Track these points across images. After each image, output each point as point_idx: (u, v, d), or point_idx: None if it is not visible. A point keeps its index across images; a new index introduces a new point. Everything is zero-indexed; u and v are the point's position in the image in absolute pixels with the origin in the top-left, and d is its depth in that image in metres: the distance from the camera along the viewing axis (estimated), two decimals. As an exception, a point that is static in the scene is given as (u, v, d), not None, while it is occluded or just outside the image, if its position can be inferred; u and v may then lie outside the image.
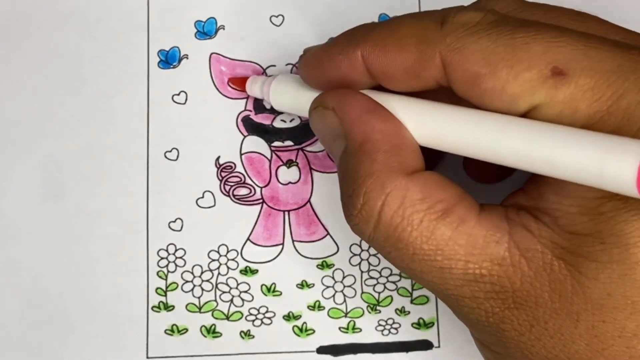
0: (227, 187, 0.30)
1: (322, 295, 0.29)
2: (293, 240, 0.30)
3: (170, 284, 0.29)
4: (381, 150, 0.21)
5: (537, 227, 0.20)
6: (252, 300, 0.29)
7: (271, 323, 0.29)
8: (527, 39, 0.20)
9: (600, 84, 0.19)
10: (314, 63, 0.25)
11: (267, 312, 0.29)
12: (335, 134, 0.23)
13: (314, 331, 0.29)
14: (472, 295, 0.20)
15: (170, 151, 0.30)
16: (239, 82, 0.30)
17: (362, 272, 0.29)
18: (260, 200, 0.30)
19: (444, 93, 0.23)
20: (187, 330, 0.29)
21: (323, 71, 0.24)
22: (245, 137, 0.30)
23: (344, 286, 0.29)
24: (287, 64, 0.30)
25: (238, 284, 0.29)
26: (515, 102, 0.20)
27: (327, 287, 0.29)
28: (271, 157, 0.30)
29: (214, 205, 0.30)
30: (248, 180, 0.30)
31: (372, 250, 0.29)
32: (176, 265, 0.30)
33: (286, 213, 0.30)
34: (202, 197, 0.30)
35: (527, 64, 0.19)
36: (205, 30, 0.31)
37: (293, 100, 0.26)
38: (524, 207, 0.21)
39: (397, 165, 0.21)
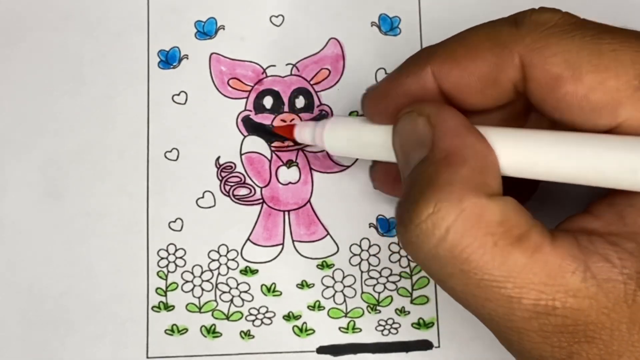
0: (227, 187, 0.30)
1: (322, 295, 0.29)
2: (293, 240, 0.30)
3: (170, 284, 0.29)
4: (468, 165, 0.19)
5: (617, 256, 0.19)
6: (252, 300, 0.29)
7: (271, 323, 0.29)
8: (614, 45, 0.18)
9: None
10: (380, 94, 0.23)
11: (267, 312, 0.29)
12: (420, 142, 0.21)
13: (314, 331, 0.29)
14: (540, 329, 0.19)
15: (170, 151, 0.30)
16: (285, 130, 0.28)
17: (362, 272, 0.29)
18: (260, 201, 0.30)
19: (516, 116, 0.22)
20: (187, 330, 0.29)
21: (392, 100, 0.23)
22: (245, 137, 0.30)
23: (344, 286, 0.29)
24: (287, 64, 0.30)
25: (238, 284, 0.29)
26: (596, 113, 0.19)
27: (327, 287, 0.29)
28: (271, 157, 0.30)
29: (214, 205, 0.30)
30: (248, 181, 0.30)
31: (372, 250, 0.29)
32: (176, 265, 0.30)
33: (286, 213, 0.30)
34: (202, 197, 0.30)
35: (614, 72, 0.18)
36: (205, 30, 0.31)
37: (353, 141, 0.25)
38: (596, 233, 0.20)
39: (481, 184, 0.19)
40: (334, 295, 0.29)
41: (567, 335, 0.19)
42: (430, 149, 0.20)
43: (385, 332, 0.29)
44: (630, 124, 0.18)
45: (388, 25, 0.31)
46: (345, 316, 0.29)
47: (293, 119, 0.30)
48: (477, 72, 0.21)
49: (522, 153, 0.20)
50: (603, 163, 0.19)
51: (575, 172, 0.19)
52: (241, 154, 0.30)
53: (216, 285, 0.29)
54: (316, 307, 0.29)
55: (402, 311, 0.29)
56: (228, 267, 0.29)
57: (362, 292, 0.29)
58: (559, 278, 0.19)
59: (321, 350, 0.29)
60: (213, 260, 0.30)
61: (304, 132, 0.27)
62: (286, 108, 0.30)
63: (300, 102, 0.30)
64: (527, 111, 0.23)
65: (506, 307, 0.19)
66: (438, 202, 0.19)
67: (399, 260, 0.29)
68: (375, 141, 0.24)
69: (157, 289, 0.29)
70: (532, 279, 0.19)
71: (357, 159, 0.30)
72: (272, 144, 0.30)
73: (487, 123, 0.22)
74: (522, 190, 0.26)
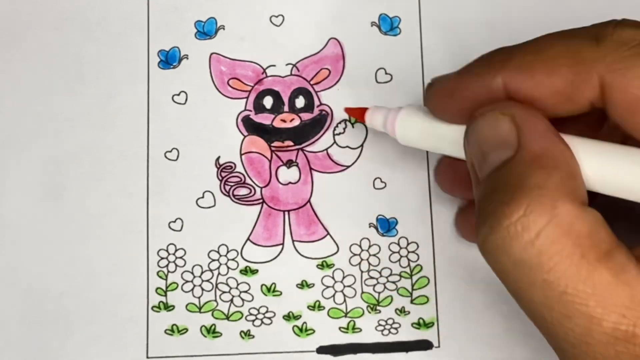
0: (227, 187, 0.30)
1: (322, 295, 0.29)
2: (293, 240, 0.30)
3: (170, 284, 0.29)
4: (560, 170, 0.19)
5: None
6: (252, 300, 0.29)
7: (271, 323, 0.29)
8: None
9: None
10: (447, 92, 0.23)
11: (267, 312, 0.29)
12: (502, 142, 0.20)
13: (314, 331, 0.29)
14: (616, 357, 0.18)
15: (170, 151, 0.30)
16: (356, 113, 0.28)
17: (362, 272, 0.29)
18: (260, 200, 0.30)
19: (593, 123, 0.22)
20: (187, 330, 0.29)
21: (457, 100, 0.22)
22: (245, 137, 0.30)
23: (344, 286, 0.29)
24: (287, 64, 0.30)
25: (238, 284, 0.29)
26: None
27: (327, 287, 0.29)
28: (271, 157, 0.30)
29: (214, 205, 0.30)
30: (248, 181, 0.30)
31: (372, 250, 0.29)
32: (176, 265, 0.30)
33: (286, 213, 0.30)
34: (202, 197, 0.30)
35: None
36: (205, 30, 0.31)
37: (426, 133, 0.24)
38: None
39: (573, 191, 0.19)
40: (334, 295, 0.29)
41: None
42: (517, 150, 0.20)
43: (385, 332, 0.29)
44: None
45: (388, 25, 0.31)
46: (345, 316, 0.29)
47: (293, 119, 0.30)
48: (552, 87, 0.20)
49: (607, 168, 0.20)
50: None
51: None
52: (241, 154, 0.30)
53: (216, 285, 0.29)
54: (316, 307, 0.29)
55: (402, 311, 0.29)
56: (228, 267, 0.29)
57: (362, 292, 0.29)
58: None
59: (321, 350, 0.29)
60: (213, 260, 0.30)
61: (375, 118, 0.26)
62: (286, 108, 0.30)
63: (300, 102, 0.30)
64: (601, 121, 0.23)
65: (585, 327, 0.18)
66: (529, 204, 0.18)
67: (399, 260, 0.29)
68: (449, 136, 0.23)
69: (157, 289, 0.29)
70: (616, 300, 0.18)
71: (357, 159, 0.30)
72: (272, 144, 0.30)
73: (559, 130, 0.21)
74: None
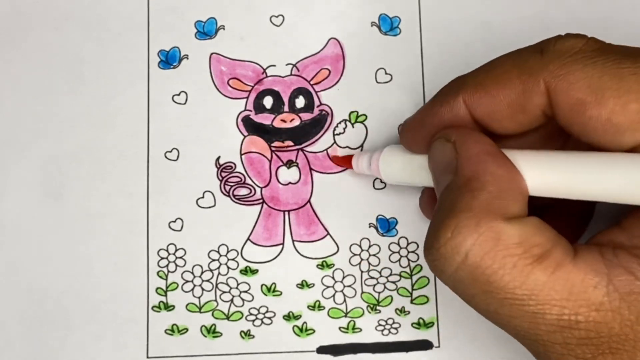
0: (227, 187, 0.30)
1: (322, 295, 0.29)
2: (293, 240, 0.30)
3: (171, 284, 0.29)
4: (486, 190, 0.20)
5: None
6: (252, 300, 0.29)
7: (271, 323, 0.29)
8: (635, 69, 0.19)
9: None
10: (415, 124, 0.24)
11: (267, 312, 0.29)
12: (448, 168, 0.22)
13: (314, 331, 0.29)
14: (564, 342, 0.20)
15: (171, 151, 0.30)
16: (343, 161, 0.29)
17: (362, 272, 0.29)
18: (260, 201, 0.30)
19: (551, 137, 0.23)
20: (187, 330, 0.29)
21: (427, 129, 0.24)
22: (245, 137, 0.30)
23: (344, 286, 0.29)
24: (287, 64, 0.31)
25: (238, 284, 0.29)
26: (619, 134, 0.19)
27: (327, 287, 0.29)
28: (271, 157, 0.30)
29: (214, 205, 0.30)
30: (248, 181, 0.30)
31: (372, 250, 0.29)
32: (176, 265, 0.30)
33: (286, 213, 0.30)
34: (202, 197, 0.30)
35: (635, 96, 0.19)
36: (205, 30, 0.31)
37: (405, 169, 0.26)
38: (622, 247, 0.20)
39: (498, 208, 0.20)
40: (334, 295, 0.29)
41: (591, 347, 0.19)
42: (454, 175, 0.21)
43: (385, 332, 0.29)
44: None
45: (388, 25, 0.31)
46: (345, 316, 0.29)
47: (293, 119, 0.30)
48: (505, 100, 0.22)
49: (546, 174, 0.21)
50: (621, 181, 0.19)
51: (597, 190, 0.20)
52: (241, 154, 0.30)
53: (216, 285, 0.29)
54: (316, 307, 0.29)
55: (402, 311, 0.29)
56: (228, 267, 0.30)
57: (362, 292, 0.29)
58: (582, 293, 0.19)
59: (321, 350, 0.29)
60: (213, 260, 0.30)
61: (360, 162, 0.28)
62: (286, 108, 0.30)
63: (300, 102, 0.30)
64: (564, 132, 0.24)
65: (531, 322, 0.20)
66: (456, 227, 0.20)
67: (399, 260, 0.29)
68: (426, 166, 0.24)
69: (157, 288, 0.29)
70: (554, 295, 0.19)
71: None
72: (272, 144, 0.30)
73: (524, 145, 0.23)
74: (578, 217, 0.26)
